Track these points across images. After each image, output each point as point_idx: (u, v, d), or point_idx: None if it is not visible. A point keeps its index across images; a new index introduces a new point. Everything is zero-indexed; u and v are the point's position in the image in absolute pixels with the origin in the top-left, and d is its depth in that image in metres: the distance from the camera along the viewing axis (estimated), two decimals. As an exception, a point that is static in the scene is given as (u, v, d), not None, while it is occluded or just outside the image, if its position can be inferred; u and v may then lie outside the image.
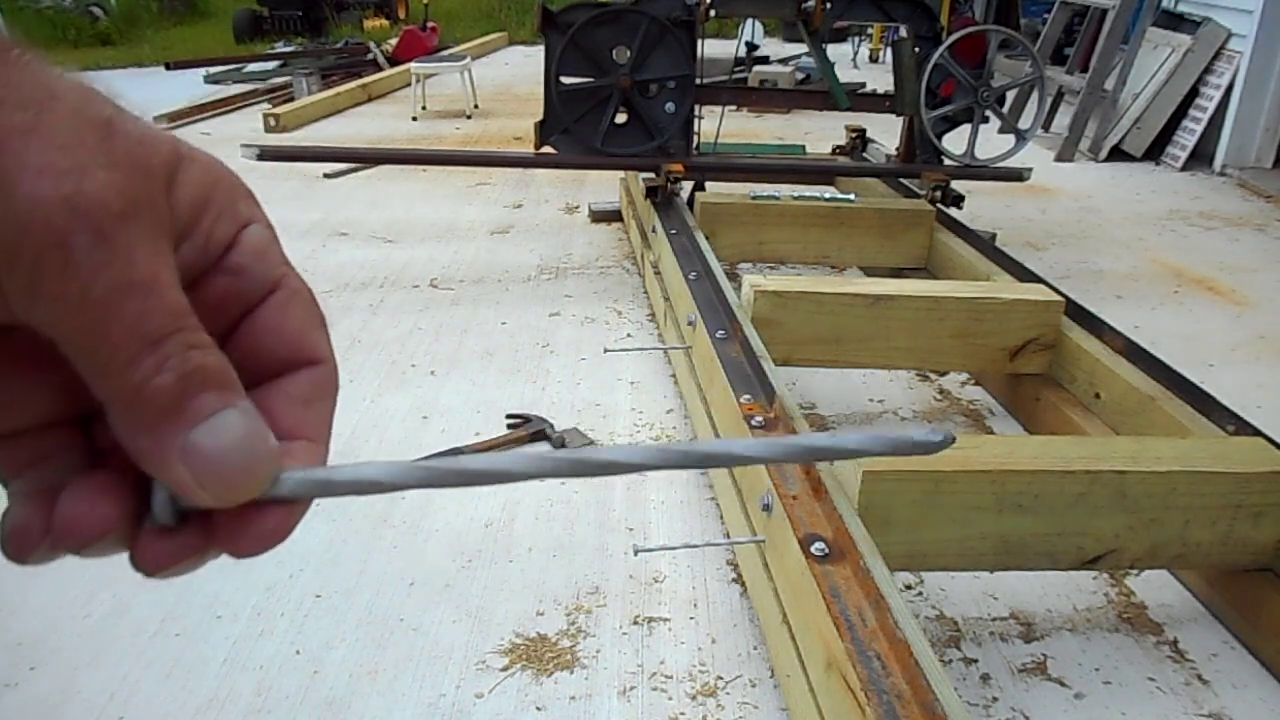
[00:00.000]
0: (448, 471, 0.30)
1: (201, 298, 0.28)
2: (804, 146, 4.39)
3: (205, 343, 0.26)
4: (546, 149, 3.21)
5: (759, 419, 1.78)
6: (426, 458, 2.26)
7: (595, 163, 3.27)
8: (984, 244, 3.00)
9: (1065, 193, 4.74)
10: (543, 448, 2.26)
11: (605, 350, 2.61)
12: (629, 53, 3.05)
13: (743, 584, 1.79)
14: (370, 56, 7.82)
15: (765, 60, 7.33)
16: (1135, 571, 1.85)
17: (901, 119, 3.47)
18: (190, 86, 7.02)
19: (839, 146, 4.13)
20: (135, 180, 0.25)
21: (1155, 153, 5.36)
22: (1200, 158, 5.21)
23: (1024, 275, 2.66)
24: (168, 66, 7.28)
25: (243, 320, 0.30)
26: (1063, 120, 5.67)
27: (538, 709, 1.51)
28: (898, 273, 3.13)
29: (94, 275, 0.23)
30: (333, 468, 0.29)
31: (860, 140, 4.07)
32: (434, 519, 1.98)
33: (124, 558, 0.28)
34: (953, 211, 3.29)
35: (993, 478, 1.56)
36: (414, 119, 6.14)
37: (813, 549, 1.40)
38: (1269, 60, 4.97)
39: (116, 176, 0.24)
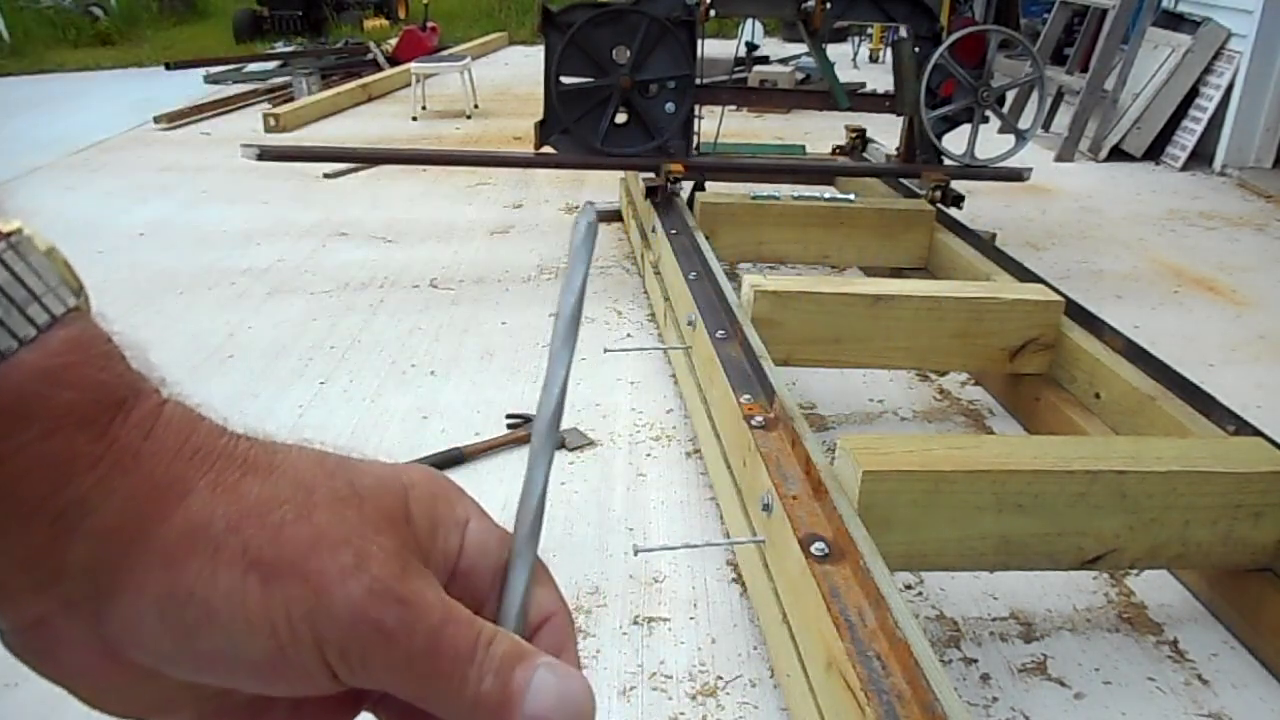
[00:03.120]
0: None
1: None
2: (804, 146, 4.39)
3: (492, 630, 0.30)
4: (546, 149, 3.21)
5: (759, 419, 1.78)
6: (425, 458, 2.23)
7: (595, 163, 3.27)
8: (984, 244, 3.00)
9: (1065, 193, 4.73)
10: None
11: (605, 350, 2.61)
12: (629, 53, 3.05)
13: (743, 584, 1.79)
14: (370, 56, 7.81)
15: (765, 60, 7.33)
16: (1135, 571, 1.85)
17: (901, 119, 3.47)
18: (190, 86, 7.01)
19: (839, 146, 4.13)
20: (396, 535, 0.29)
21: (1155, 153, 5.36)
22: (1200, 158, 5.20)
23: (1024, 275, 2.66)
24: (167, 66, 7.28)
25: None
26: (1063, 120, 5.67)
27: (538, 709, 1.51)
28: (898, 273, 3.13)
29: (410, 639, 0.27)
30: None
31: (860, 140, 4.06)
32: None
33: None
34: (953, 211, 3.29)
35: (993, 478, 1.56)
36: (414, 119, 6.14)
37: (813, 549, 1.40)
38: (1269, 60, 4.97)
39: (386, 542, 0.28)
